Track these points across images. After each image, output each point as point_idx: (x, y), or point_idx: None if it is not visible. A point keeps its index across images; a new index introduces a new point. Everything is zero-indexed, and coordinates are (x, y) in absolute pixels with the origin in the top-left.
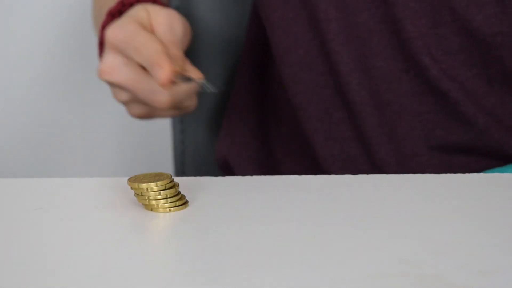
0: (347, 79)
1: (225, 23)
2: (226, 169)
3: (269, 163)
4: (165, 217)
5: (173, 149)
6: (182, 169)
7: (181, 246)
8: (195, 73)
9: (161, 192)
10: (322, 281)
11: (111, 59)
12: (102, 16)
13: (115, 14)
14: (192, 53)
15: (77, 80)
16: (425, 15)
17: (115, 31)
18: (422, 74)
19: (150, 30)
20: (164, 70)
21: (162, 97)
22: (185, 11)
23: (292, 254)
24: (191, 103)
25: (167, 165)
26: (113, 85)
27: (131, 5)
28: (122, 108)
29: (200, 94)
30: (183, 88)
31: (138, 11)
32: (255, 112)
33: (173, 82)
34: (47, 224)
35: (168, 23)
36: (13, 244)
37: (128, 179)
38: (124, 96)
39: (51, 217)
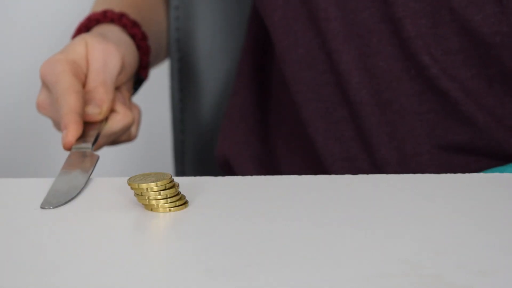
0: (347, 78)
1: (225, 22)
2: (226, 168)
3: (269, 162)
4: (165, 217)
5: (173, 149)
6: (182, 169)
7: (181, 246)
8: (122, 116)
9: (161, 192)
10: (322, 281)
11: (43, 95)
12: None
13: (82, 29)
14: (192, 52)
15: None
16: (425, 15)
17: (45, 68)
18: (422, 74)
19: (84, 65)
20: (66, 135)
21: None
22: (185, 11)
23: (292, 254)
24: (127, 136)
25: (167, 165)
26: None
27: (97, 21)
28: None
29: (200, 96)
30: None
31: (76, 44)
32: (255, 111)
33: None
34: (47, 224)
35: (102, 60)
36: (13, 244)
37: (128, 179)
38: (58, 127)
39: (51, 217)
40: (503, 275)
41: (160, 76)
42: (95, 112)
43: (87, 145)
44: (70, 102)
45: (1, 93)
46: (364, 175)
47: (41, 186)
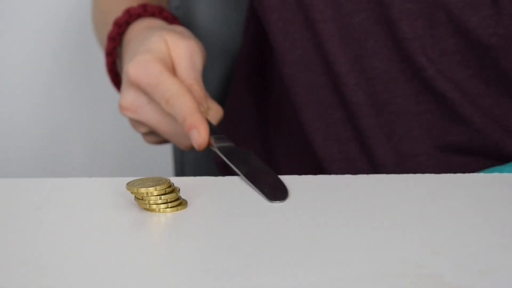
0: (344, 80)
1: (224, 22)
2: (225, 169)
3: (268, 163)
4: (164, 217)
5: (173, 149)
6: (182, 169)
7: (181, 246)
8: (216, 110)
9: (162, 196)
10: (322, 281)
11: (132, 97)
12: (108, 23)
13: (122, 25)
14: None
15: (77, 81)
16: (421, 16)
17: (137, 71)
18: (418, 75)
19: (170, 64)
20: (201, 135)
21: (188, 141)
22: (185, 11)
23: (292, 254)
24: None
25: (167, 165)
26: (134, 120)
27: (138, 15)
28: None
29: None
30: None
31: (156, 43)
32: (253, 111)
33: (209, 144)
34: (47, 224)
35: (189, 57)
36: (13, 244)
37: (127, 184)
38: (144, 129)
39: (51, 217)
40: (503, 275)
41: None
42: (202, 109)
43: (222, 137)
44: (189, 103)
45: (1, 93)
46: (364, 175)
47: (41, 186)
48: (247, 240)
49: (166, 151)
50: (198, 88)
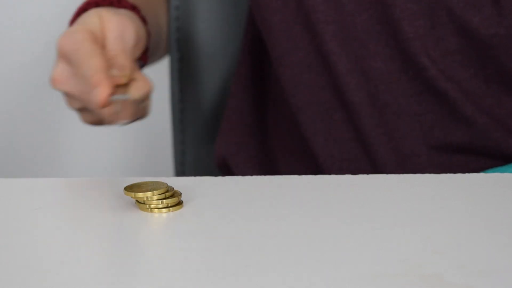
0: (345, 80)
1: (225, 22)
2: (224, 169)
3: (268, 163)
4: (164, 218)
5: (173, 149)
6: (182, 169)
7: (180, 246)
8: (143, 82)
9: (163, 201)
10: (322, 281)
11: (60, 69)
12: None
13: (80, 13)
14: (192, 52)
15: None
16: (422, 16)
17: (64, 40)
18: (420, 75)
19: (101, 37)
20: (99, 92)
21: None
22: (185, 11)
23: (291, 254)
24: (143, 111)
25: (167, 165)
26: (64, 93)
27: (96, 4)
28: None
29: (200, 96)
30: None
31: (90, 17)
32: (253, 111)
33: (109, 103)
34: (47, 224)
35: (119, 30)
36: (13, 244)
37: (124, 188)
38: (76, 104)
39: (50, 217)
40: (503, 275)
41: (160, 76)
42: (118, 75)
43: (124, 96)
44: (96, 63)
45: (1, 93)
46: (364, 175)
47: (41, 186)
48: (247, 240)
49: (166, 151)
50: (123, 57)
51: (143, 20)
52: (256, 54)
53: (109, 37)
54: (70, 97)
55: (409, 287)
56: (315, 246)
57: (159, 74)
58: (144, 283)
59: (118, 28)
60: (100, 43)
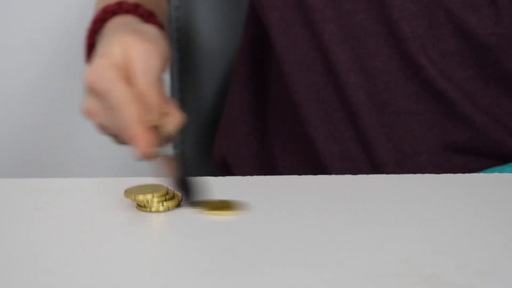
0: (344, 79)
1: (224, 22)
2: (224, 168)
3: (267, 162)
4: (163, 217)
5: (173, 149)
6: None
7: (180, 246)
8: (176, 117)
9: (164, 203)
10: (322, 281)
11: (91, 102)
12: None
13: (98, 22)
14: (192, 52)
15: (77, 80)
16: (421, 17)
17: (92, 76)
18: (419, 75)
19: (125, 69)
20: (139, 146)
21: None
22: (185, 11)
23: (291, 254)
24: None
25: None
26: (98, 125)
27: (113, 13)
28: None
29: (200, 96)
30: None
31: (114, 47)
32: (253, 110)
33: (154, 154)
34: (47, 224)
35: (145, 61)
36: (13, 244)
37: (125, 191)
38: (109, 132)
39: (50, 217)
40: (503, 275)
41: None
42: (152, 118)
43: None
44: (132, 113)
45: (1, 93)
46: (364, 175)
47: (41, 186)
48: (247, 240)
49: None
50: (152, 94)
51: (161, 26)
52: (255, 53)
53: (137, 70)
54: (103, 128)
55: (409, 287)
56: (315, 246)
57: None
58: (144, 283)
59: (144, 58)
60: (129, 78)
